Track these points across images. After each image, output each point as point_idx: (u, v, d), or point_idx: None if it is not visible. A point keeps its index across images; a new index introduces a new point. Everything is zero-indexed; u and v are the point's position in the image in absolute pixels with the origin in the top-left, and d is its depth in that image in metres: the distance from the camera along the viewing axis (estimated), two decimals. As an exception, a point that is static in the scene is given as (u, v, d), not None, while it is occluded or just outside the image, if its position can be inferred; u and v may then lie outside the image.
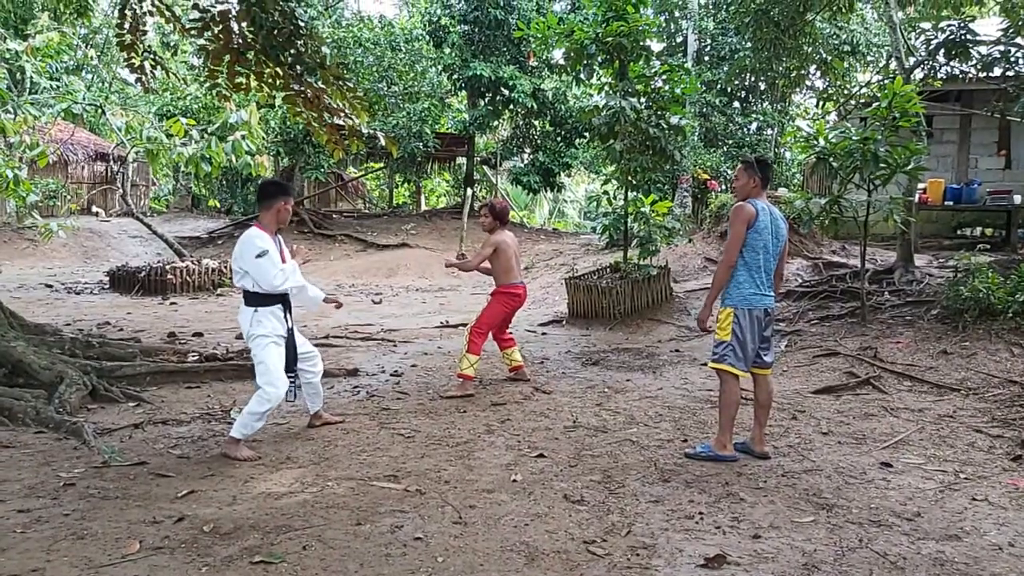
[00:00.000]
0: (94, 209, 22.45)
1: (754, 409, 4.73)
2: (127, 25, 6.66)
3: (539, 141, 21.50)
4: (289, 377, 4.77)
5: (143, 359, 6.70)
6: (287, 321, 4.77)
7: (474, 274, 10.95)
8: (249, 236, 4.64)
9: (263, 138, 14.25)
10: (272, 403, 4.61)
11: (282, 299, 4.74)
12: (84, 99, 15.87)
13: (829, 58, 11.96)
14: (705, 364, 6.99)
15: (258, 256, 4.55)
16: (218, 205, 24.78)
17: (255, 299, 4.66)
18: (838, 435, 5.09)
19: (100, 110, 16.04)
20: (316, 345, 5.67)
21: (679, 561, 3.25)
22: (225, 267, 13.56)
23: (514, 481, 4.19)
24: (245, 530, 3.50)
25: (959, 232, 13.20)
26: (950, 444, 4.89)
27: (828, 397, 6.10)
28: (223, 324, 9.61)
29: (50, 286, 13.57)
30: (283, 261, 4.72)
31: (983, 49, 8.67)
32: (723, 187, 16.77)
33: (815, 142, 7.89)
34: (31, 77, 19.73)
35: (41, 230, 14.36)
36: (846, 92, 11.17)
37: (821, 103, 11.06)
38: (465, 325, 6.50)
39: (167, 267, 13.20)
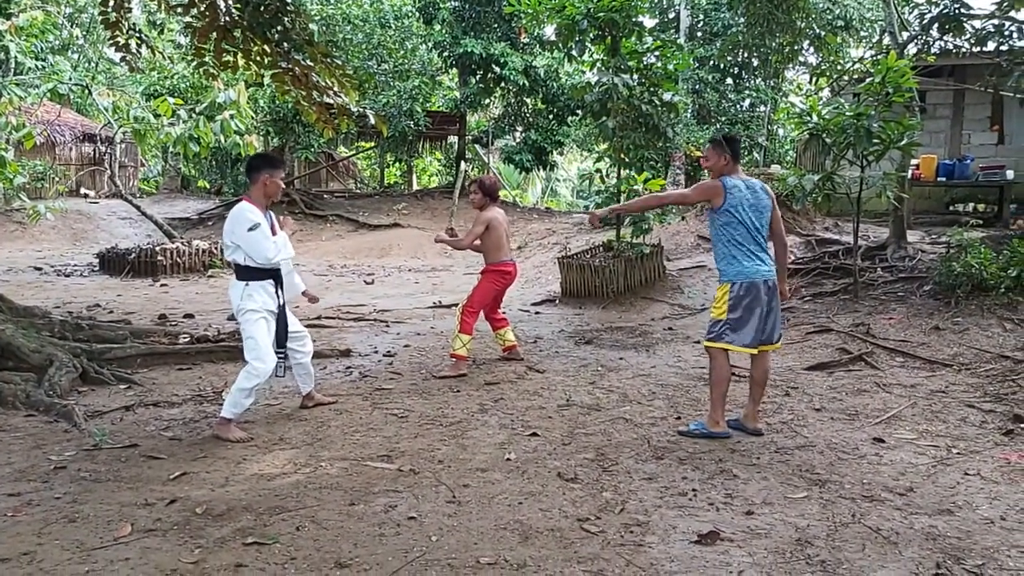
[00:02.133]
0: (83, 191, 22.25)
1: (749, 386, 4.73)
2: (111, 3, 6.54)
3: (531, 119, 21.34)
4: (279, 354, 4.74)
5: (134, 341, 6.66)
6: (278, 297, 4.73)
7: (467, 254, 10.92)
8: (240, 210, 4.59)
9: (252, 117, 14.08)
10: (260, 378, 4.57)
11: (273, 274, 4.71)
12: (70, 79, 15.68)
13: (822, 33, 11.90)
14: (699, 342, 7.00)
15: (250, 229, 4.51)
16: (208, 186, 24.60)
17: (246, 273, 4.62)
18: (831, 411, 5.10)
19: (87, 90, 15.85)
20: (308, 326, 5.65)
21: (672, 538, 3.26)
22: (216, 248, 13.47)
23: (508, 460, 4.19)
24: (238, 511, 3.49)
25: (952, 208, 13.20)
26: (942, 419, 4.91)
27: (821, 373, 6.11)
28: (214, 305, 9.56)
29: (39, 269, 13.47)
30: (273, 235, 4.67)
31: (977, 23, 8.62)
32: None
33: (808, 118, 7.84)
34: (15, 57, 19.49)
35: (29, 212, 14.22)
36: (839, 68, 11.10)
37: (814, 79, 11.01)
38: (458, 305, 6.45)
39: (157, 249, 13.10)
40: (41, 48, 19.43)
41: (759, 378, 4.66)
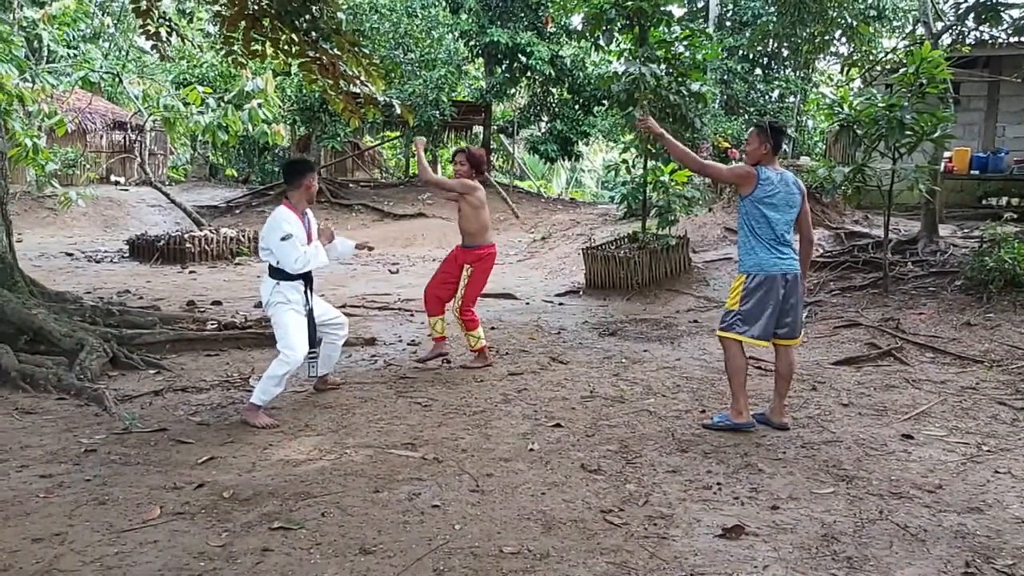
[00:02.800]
0: (113, 178, 22.53)
1: (774, 380, 4.69)
2: (142, -9, 6.59)
3: (557, 109, 21.24)
4: (310, 355, 4.83)
5: (163, 327, 6.74)
6: (307, 298, 4.83)
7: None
8: (277, 218, 4.71)
9: (279, 106, 14.17)
10: (291, 366, 4.64)
11: (305, 275, 4.81)
12: (101, 67, 15.86)
13: (855, 23, 11.67)
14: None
15: (283, 239, 4.64)
16: (236, 174, 24.81)
17: (278, 274, 4.76)
18: (859, 406, 5.04)
19: (117, 78, 16.03)
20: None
21: (696, 531, 3.24)
22: (243, 236, 13.64)
23: (531, 450, 4.19)
24: (264, 496, 3.52)
25: (985, 202, 12.96)
26: (972, 416, 4.84)
27: (849, 368, 6.04)
28: (242, 293, 9.66)
29: (70, 254, 13.68)
30: (309, 240, 4.79)
31: (1015, 13, 8.43)
32: (743, 156, 16.56)
33: (839, 109, 7.73)
34: (48, 45, 19.78)
35: (61, 199, 14.44)
36: (872, 58, 10.92)
37: (846, 69, 10.83)
38: (454, 307, 6.15)
39: (186, 236, 13.25)
40: (73, 36, 19.67)
41: (784, 372, 4.62)
